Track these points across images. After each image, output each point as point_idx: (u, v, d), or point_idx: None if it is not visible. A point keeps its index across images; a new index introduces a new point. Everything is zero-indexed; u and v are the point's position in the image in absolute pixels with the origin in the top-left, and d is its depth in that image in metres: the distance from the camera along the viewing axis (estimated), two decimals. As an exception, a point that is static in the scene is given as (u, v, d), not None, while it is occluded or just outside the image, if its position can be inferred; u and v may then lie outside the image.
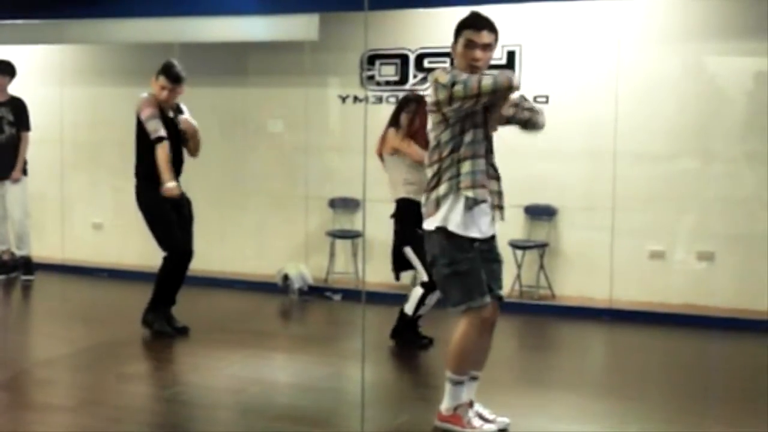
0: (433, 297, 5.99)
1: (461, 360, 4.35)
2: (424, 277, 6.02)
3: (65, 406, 4.96)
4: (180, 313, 6.59)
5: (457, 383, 4.38)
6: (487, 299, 4.28)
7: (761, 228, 7.13)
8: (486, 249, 4.34)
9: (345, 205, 8.41)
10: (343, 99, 8.47)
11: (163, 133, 6.15)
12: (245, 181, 8.81)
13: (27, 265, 8.69)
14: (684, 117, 7.44)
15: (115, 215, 9.19)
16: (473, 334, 4.30)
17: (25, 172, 8.53)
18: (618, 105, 7.52)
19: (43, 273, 8.86)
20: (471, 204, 4.18)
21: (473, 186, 4.18)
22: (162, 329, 6.43)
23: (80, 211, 9.60)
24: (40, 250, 9.02)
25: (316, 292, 8.11)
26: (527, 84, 7.74)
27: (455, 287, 4.29)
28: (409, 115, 6.15)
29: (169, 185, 6.16)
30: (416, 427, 4.74)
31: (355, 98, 8.39)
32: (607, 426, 4.74)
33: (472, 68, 4.17)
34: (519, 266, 7.68)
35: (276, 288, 8.13)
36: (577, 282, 7.78)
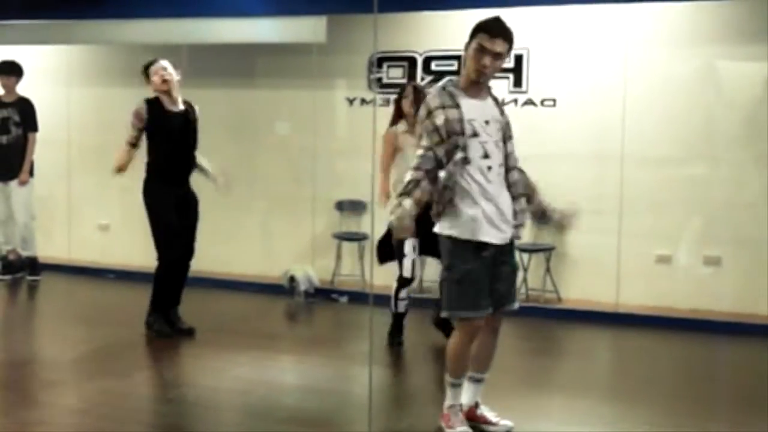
0: (405, 291, 6.22)
1: (453, 364, 4.38)
2: (397, 272, 6.20)
3: (71, 406, 4.96)
4: (186, 314, 6.60)
5: (453, 385, 4.42)
6: (476, 313, 4.23)
7: (768, 233, 7.13)
8: (499, 255, 4.29)
9: (352, 207, 8.41)
10: (351, 101, 8.47)
11: (131, 140, 6.30)
12: (252, 183, 8.81)
13: (33, 266, 8.70)
14: (691, 121, 7.43)
15: (122, 216, 9.21)
16: (462, 341, 4.32)
17: (31, 173, 8.53)
18: (625, 109, 7.51)
19: (50, 273, 8.87)
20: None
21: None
22: (161, 329, 6.45)
23: (87, 212, 9.61)
24: (47, 250, 9.03)
25: (323, 294, 8.11)
26: (535, 88, 7.79)
27: (446, 293, 4.31)
28: (408, 100, 6.18)
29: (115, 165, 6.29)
30: (422, 429, 4.74)
31: (363, 100, 8.39)
32: (612, 429, 4.74)
33: (479, 74, 4.15)
34: (525, 269, 7.68)
35: (282, 290, 8.13)
36: (584, 285, 7.77)
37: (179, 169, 6.44)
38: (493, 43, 4.09)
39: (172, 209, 6.37)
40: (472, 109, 4.18)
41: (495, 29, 4.12)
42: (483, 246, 4.21)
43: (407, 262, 6.14)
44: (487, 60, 4.11)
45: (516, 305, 4.42)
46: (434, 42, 8.07)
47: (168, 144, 6.37)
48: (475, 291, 4.23)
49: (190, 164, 6.50)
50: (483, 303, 4.25)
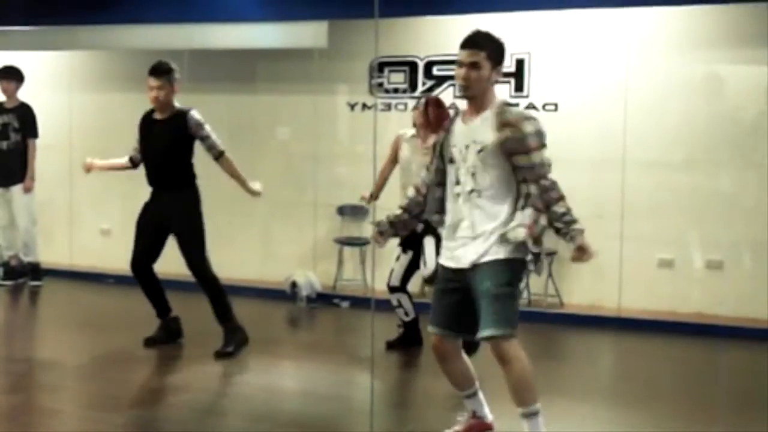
0: (394, 299, 6.23)
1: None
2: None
3: (73, 411, 4.96)
4: (188, 319, 6.59)
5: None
6: (431, 327, 4.24)
7: (770, 237, 7.12)
8: (460, 280, 4.16)
9: (353, 212, 8.40)
10: (352, 106, 8.47)
11: (132, 153, 6.41)
12: (253, 188, 8.80)
13: (35, 271, 8.69)
14: (692, 125, 7.43)
15: (123, 221, 9.18)
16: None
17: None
18: (627, 113, 7.51)
19: (51, 279, 8.87)
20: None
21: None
22: (151, 337, 6.44)
23: (88, 216, 9.61)
24: (48, 255, 9.04)
25: (324, 299, 8.11)
26: (536, 92, 7.79)
27: None
28: (420, 108, 6.18)
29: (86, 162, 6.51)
30: (425, 434, 4.74)
31: (364, 105, 8.40)
32: (616, 435, 4.74)
33: (460, 88, 4.14)
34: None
35: (284, 295, 8.12)
36: (586, 290, 7.77)
37: (156, 178, 6.31)
38: (464, 54, 4.04)
39: (145, 215, 6.35)
40: (460, 134, 4.14)
41: (465, 40, 4.08)
42: (448, 268, 4.20)
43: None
44: (461, 71, 4.04)
45: (482, 334, 4.06)
46: (435, 47, 8.07)
47: (146, 152, 6.32)
48: (433, 306, 4.28)
49: (171, 173, 6.30)
50: (436, 320, 4.23)
